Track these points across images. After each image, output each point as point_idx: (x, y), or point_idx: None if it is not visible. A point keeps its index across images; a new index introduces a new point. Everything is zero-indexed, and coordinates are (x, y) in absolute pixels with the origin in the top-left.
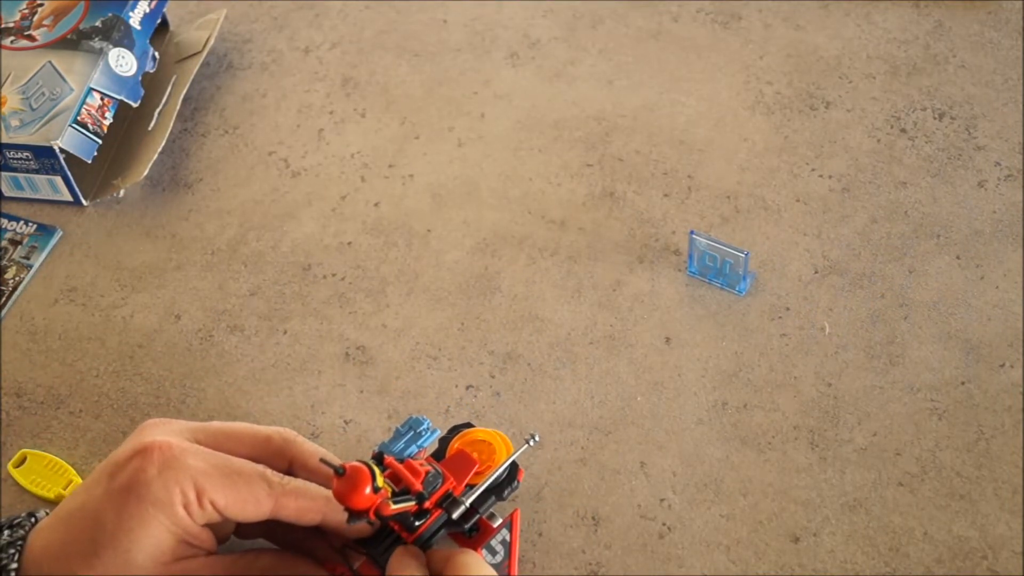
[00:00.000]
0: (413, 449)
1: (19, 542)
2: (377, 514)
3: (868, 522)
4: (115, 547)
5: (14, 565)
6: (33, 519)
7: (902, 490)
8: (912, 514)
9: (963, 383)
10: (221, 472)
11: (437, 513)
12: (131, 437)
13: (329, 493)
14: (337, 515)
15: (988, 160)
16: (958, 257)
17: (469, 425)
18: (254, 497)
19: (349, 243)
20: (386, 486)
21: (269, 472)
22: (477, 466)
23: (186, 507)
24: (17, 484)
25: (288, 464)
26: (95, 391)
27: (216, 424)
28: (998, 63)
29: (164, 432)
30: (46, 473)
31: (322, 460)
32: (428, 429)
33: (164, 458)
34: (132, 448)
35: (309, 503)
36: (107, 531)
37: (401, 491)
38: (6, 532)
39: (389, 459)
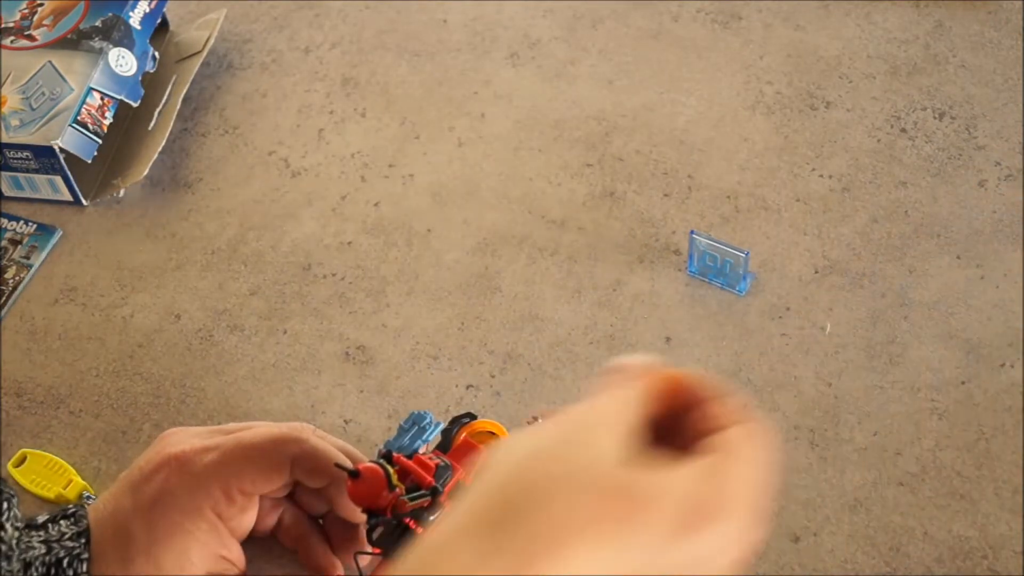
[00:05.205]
0: (419, 444)
1: (86, 532)
2: (393, 512)
3: (868, 522)
4: (147, 559)
5: (86, 554)
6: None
7: (902, 490)
8: (912, 514)
9: (963, 383)
10: (238, 457)
11: (450, 505)
12: (151, 448)
13: (340, 455)
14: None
15: (988, 160)
16: (958, 257)
17: (470, 415)
18: (275, 464)
19: (349, 243)
20: (399, 484)
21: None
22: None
23: (215, 509)
24: (17, 484)
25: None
26: (95, 391)
27: (232, 427)
28: (998, 63)
29: (181, 441)
30: (46, 473)
31: (336, 465)
32: (431, 423)
33: (183, 467)
34: (154, 462)
35: (323, 474)
36: (139, 546)
37: (413, 486)
38: (63, 522)
39: (398, 456)
